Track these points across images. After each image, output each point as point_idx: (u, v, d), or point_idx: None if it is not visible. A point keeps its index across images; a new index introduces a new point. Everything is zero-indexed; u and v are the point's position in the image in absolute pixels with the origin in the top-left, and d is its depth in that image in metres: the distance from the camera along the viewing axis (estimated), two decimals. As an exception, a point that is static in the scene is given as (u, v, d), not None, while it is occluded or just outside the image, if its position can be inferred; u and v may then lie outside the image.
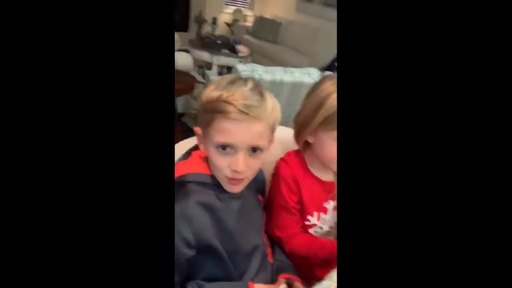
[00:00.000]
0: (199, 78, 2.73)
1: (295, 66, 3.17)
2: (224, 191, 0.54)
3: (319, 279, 0.65)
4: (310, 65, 3.06)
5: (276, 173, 0.66)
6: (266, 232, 0.66)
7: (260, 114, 0.48)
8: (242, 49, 3.20)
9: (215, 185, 0.54)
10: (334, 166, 0.61)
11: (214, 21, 3.78)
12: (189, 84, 1.95)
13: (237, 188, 0.54)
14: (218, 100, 0.47)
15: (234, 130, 0.47)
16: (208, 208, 0.52)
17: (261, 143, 0.50)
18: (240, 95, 0.47)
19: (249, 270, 0.57)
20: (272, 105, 0.50)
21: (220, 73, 3.06)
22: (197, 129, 0.54)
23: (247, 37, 4.09)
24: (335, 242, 0.61)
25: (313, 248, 0.62)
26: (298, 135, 0.65)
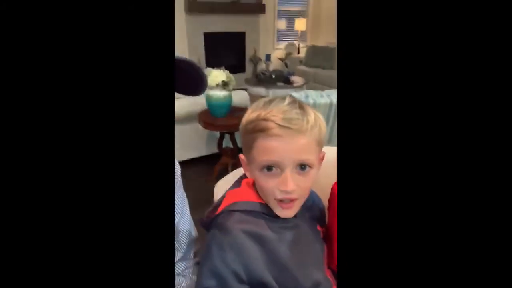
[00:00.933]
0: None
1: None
2: (275, 219, 0.50)
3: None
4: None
5: (332, 200, 0.59)
6: (329, 268, 0.58)
7: (302, 127, 0.45)
8: (296, 79, 3.24)
9: (265, 213, 0.50)
10: None
11: (268, 57, 3.96)
12: (247, 118, 2.01)
13: (289, 212, 0.49)
14: (257, 119, 0.46)
15: (277, 147, 0.44)
16: (258, 238, 0.48)
17: (308, 157, 0.46)
18: (278, 111, 0.45)
19: (312, 312, 0.50)
20: (314, 117, 0.47)
21: (277, 105, 3.11)
22: (241, 156, 0.53)
23: (301, 67, 4.15)
24: None
25: None
26: None
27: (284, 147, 0.44)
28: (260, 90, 3.09)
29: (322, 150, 0.51)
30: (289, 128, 0.44)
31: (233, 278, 0.45)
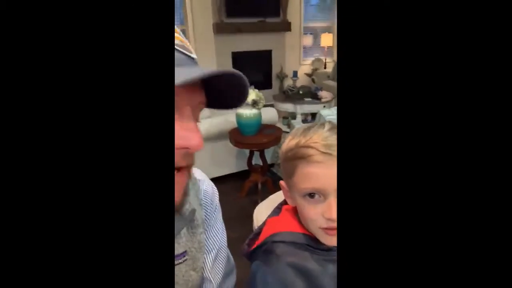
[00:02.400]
0: (284, 128, 2.82)
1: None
2: (319, 252, 0.49)
3: None
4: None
5: None
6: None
7: None
8: (324, 94, 3.22)
9: (309, 245, 0.49)
10: None
11: (295, 74, 3.98)
12: (277, 136, 2.02)
13: (336, 240, 0.48)
14: (297, 146, 0.47)
15: (319, 173, 0.44)
16: (303, 271, 0.47)
17: None
18: (318, 137, 0.46)
19: None
20: None
21: (304, 120, 3.10)
22: (282, 183, 0.53)
23: (328, 82, 4.12)
24: None
25: None
26: None
27: (326, 173, 0.44)
28: (288, 106, 3.10)
29: None
30: (330, 154, 0.44)
31: None
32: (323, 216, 0.45)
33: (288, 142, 0.49)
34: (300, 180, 0.47)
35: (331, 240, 0.48)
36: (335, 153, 0.44)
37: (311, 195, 0.46)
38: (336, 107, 1.54)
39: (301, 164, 0.46)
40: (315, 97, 3.13)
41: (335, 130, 0.47)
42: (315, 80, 4.42)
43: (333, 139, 0.45)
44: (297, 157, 0.46)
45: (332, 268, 0.49)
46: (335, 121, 1.63)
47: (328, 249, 0.49)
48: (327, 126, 0.48)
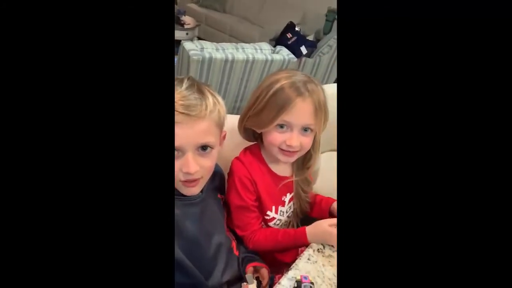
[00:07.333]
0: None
1: (246, 37, 3.05)
2: (180, 198, 0.52)
3: (281, 262, 0.67)
4: (261, 35, 2.98)
5: (231, 173, 0.64)
6: (228, 226, 0.66)
7: (201, 112, 0.46)
8: (188, 20, 3.00)
9: None
10: (277, 152, 0.59)
11: (154, -12, 3.44)
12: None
13: (194, 189, 0.52)
14: None
15: (177, 133, 0.45)
16: None
17: (208, 140, 0.49)
18: (176, 96, 0.45)
19: (216, 269, 0.58)
20: (213, 101, 0.49)
21: (167, 48, 2.84)
22: None
23: (193, 6, 3.81)
24: (297, 229, 0.63)
25: (276, 240, 0.63)
26: (245, 127, 0.62)
27: (184, 132, 0.45)
28: (147, 29, 2.73)
29: (224, 130, 0.55)
30: (188, 115, 0.45)
31: None
32: (181, 170, 0.48)
33: None
34: None
35: (190, 190, 0.52)
36: (192, 113, 0.45)
37: None
38: (200, 42, 1.48)
39: None
40: (178, 22, 2.87)
41: (194, 88, 0.47)
42: (178, 2, 3.99)
43: (191, 99, 0.46)
44: None
45: (195, 210, 0.55)
46: (198, 57, 1.56)
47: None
48: (185, 83, 0.48)
